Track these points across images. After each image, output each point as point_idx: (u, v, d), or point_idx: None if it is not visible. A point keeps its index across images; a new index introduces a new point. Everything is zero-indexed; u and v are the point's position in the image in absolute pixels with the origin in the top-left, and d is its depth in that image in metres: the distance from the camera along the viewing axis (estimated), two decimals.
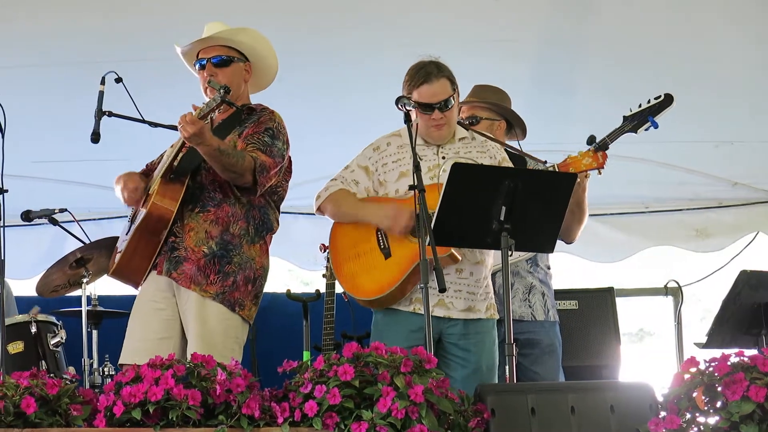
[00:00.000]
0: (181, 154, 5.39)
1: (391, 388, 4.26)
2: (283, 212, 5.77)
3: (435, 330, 5.16)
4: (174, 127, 5.25)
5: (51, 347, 6.36)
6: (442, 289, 4.86)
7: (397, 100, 5.30)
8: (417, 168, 5.05)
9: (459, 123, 5.70)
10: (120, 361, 5.41)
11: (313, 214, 5.87)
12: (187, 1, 6.55)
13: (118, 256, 5.50)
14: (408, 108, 5.30)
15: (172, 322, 5.40)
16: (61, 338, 6.37)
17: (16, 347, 6.26)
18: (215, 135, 5.27)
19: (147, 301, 5.45)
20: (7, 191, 5.10)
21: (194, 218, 5.38)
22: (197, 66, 5.55)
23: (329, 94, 7.37)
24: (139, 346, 5.31)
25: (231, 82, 5.44)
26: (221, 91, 5.14)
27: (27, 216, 6.77)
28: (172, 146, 5.46)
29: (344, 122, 7.57)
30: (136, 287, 5.54)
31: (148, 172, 5.65)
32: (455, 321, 5.39)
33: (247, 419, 4.35)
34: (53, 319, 6.52)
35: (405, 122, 5.26)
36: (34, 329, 6.30)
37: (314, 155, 6.96)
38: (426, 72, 5.41)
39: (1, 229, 5.02)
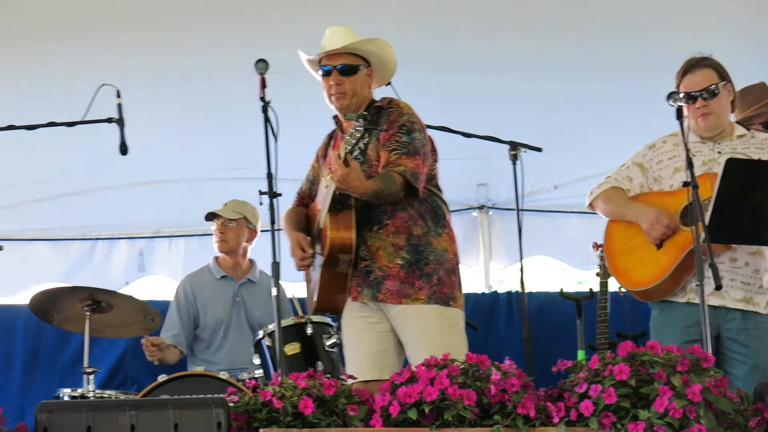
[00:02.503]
0: None
1: (667, 387, 4.29)
2: (555, 211, 5.82)
3: (712, 325, 5.17)
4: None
5: (326, 348, 6.57)
6: (719, 287, 4.84)
7: (668, 96, 5.29)
8: (689, 164, 5.05)
9: (739, 123, 5.69)
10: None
11: (585, 213, 5.91)
12: None
13: (315, 295, 5.66)
14: (679, 104, 5.29)
15: (387, 335, 5.57)
16: (337, 339, 6.57)
17: (293, 348, 6.50)
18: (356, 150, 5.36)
19: (356, 318, 5.61)
20: (281, 195, 5.35)
21: (377, 237, 5.53)
22: (321, 72, 5.67)
23: None
24: (357, 362, 5.51)
25: (356, 88, 5.64)
26: (360, 120, 5.22)
27: None
28: (325, 176, 5.58)
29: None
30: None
31: (303, 201, 5.80)
32: (733, 314, 5.41)
33: (523, 419, 4.44)
34: (329, 320, 6.74)
35: (677, 118, 5.25)
36: (309, 331, 6.53)
37: (585, 157, 6.98)
38: (690, 63, 5.56)
39: (275, 232, 5.26)
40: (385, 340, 5.55)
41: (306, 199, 5.90)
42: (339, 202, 5.46)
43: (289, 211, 5.86)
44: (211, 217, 7.54)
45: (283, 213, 5.80)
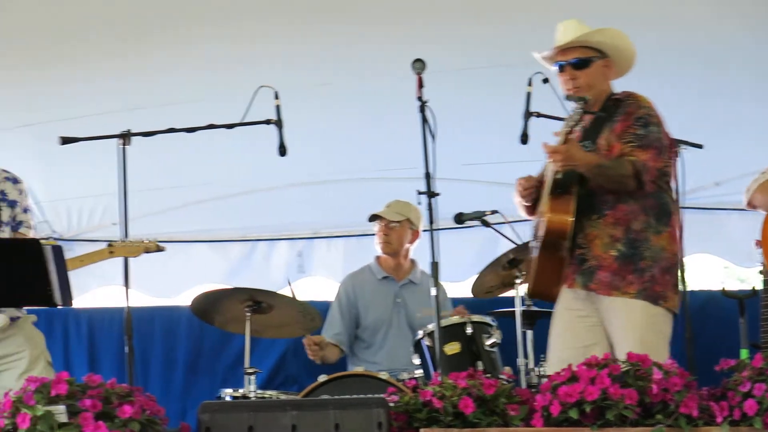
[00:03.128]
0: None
1: None
2: (716, 209, 5.74)
3: None
4: None
5: (486, 348, 6.59)
6: None
7: None
8: None
9: None
10: (547, 372, 5.59)
11: (747, 210, 5.82)
12: None
13: (531, 279, 5.68)
14: None
15: (597, 328, 5.58)
16: (497, 339, 6.59)
17: (453, 348, 6.53)
18: (587, 138, 5.37)
19: (567, 310, 5.64)
20: (439, 194, 5.40)
21: (595, 226, 5.53)
22: (556, 67, 5.64)
23: None
24: (566, 355, 5.47)
25: (592, 81, 5.63)
26: (581, 102, 5.22)
27: (459, 218, 7.02)
28: (548, 161, 5.58)
29: None
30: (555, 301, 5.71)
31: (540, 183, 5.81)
32: None
33: (686, 418, 4.41)
34: (488, 320, 6.75)
35: None
36: (469, 330, 6.56)
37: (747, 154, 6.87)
38: None
39: (435, 232, 5.31)
40: (595, 333, 5.56)
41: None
42: (560, 186, 5.50)
43: None
44: (374, 218, 7.63)
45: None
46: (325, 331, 7.53)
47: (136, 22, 6.75)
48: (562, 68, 5.68)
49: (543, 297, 5.80)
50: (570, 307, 5.61)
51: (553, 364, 5.54)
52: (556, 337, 5.66)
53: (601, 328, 5.55)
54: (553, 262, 5.58)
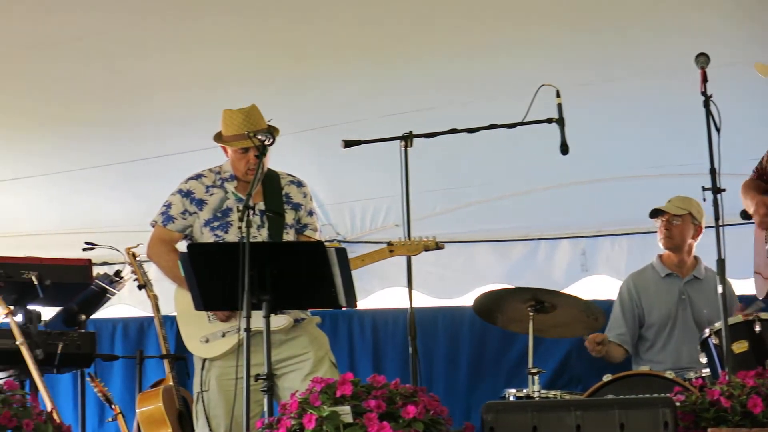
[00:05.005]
0: None
1: None
2: None
3: None
4: None
5: None
6: None
7: None
8: None
9: None
10: None
11: None
12: None
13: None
14: None
15: None
16: None
17: (741, 347, 6.41)
18: None
19: None
20: (724, 190, 5.31)
21: None
22: None
23: None
24: None
25: None
26: None
27: (746, 214, 6.88)
28: None
29: None
30: None
31: (762, 177, 5.61)
32: None
33: None
34: None
35: None
36: (758, 328, 6.42)
37: None
38: None
39: (720, 228, 5.23)
40: None
41: (765, 176, 5.81)
42: None
43: (748, 181, 5.78)
44: (655, 213, 7.56)
45: (742, 184, 5.73)
46: (609, 331, 7.50)
47: (416, 22, 6.88)
48: None
49: None
50: None
51: None
52: None
53: None
54: None
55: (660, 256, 7.66)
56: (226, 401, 5.97)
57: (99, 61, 7.08)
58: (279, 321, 5.99)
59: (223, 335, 6.09)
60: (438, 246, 6.02)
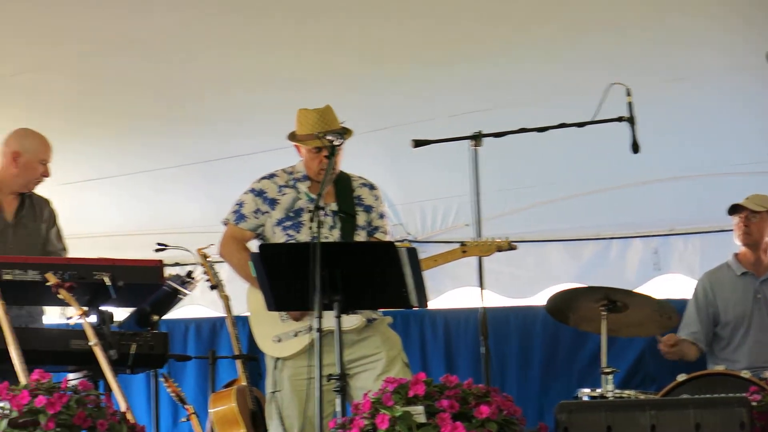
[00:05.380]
0: None
1: None
2: None
3: None
4: None
5: None
6: None
7: None
8: None
9: None
10: None
11: None
12: None
13: None
14: None
15: None
16: None
17: None
18: None
19: None
20: None
21: None
22: None
23: None
24: None
25: None
26: None
27: None
28: None
29: None
30: None
31: None
32: None
33: None
34: None
35: None
36: None
37: None
38: None
39: None
40: None
41: None
42: None
43: None
44: (734, 209, 7.52)
45: None
46: (682, 329, 7.47)
47: (487, 22, 6.88)
48: None
49: None
50: None
51: None
52: None
53: None
54: None
55: (736, 255, 7.61)
56: (299, 401, 6.01)
57: (181, 59, 7.17)
58: (351, 321, 6.01)
59: (296, 335, 6.12)
60: (511, 246, 6.01)
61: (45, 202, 6.96)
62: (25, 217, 6.83)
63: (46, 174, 6.79)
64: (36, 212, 6.88)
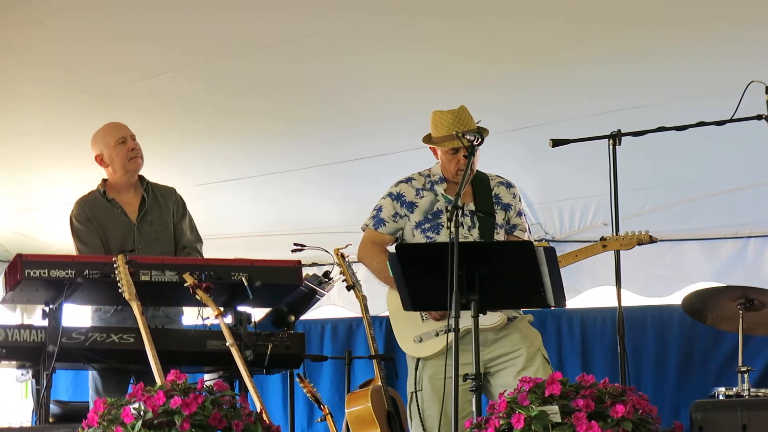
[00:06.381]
0: None
1: None
2: None
3: None
4: None
5: None
6: None
7: None
8: None
9: None
10: None
11: None
12: None
13: None
14: None
15: None
16: None
17: None
18: None
19: None
20: None
21: None
22: None
23: None
24: None
25: None
26: None
27: None
28: None
29: None
30: None
31: None
32: None
33: None
34: None
35: None
36: None
37: None
38: None
39: None
40: None
41: None
42: None
43: None
44: None
45: None
46: None
47: (626, 23, 6.87)
48: None
49: None
50: None
51: None
52: None
53: None
54: None
55: None
56: (439, 401, 6.04)
57: (320, 60, 7.24)
58: (493, 318, 6.04)
59: (437, 334, 6.16)
60: (652, 239, 5.99)
61: (169, 192, 6.94)
62: (149, 214, 6.80)
63: (132, 148, 6.73)
64: (161, 206, 6.85)
